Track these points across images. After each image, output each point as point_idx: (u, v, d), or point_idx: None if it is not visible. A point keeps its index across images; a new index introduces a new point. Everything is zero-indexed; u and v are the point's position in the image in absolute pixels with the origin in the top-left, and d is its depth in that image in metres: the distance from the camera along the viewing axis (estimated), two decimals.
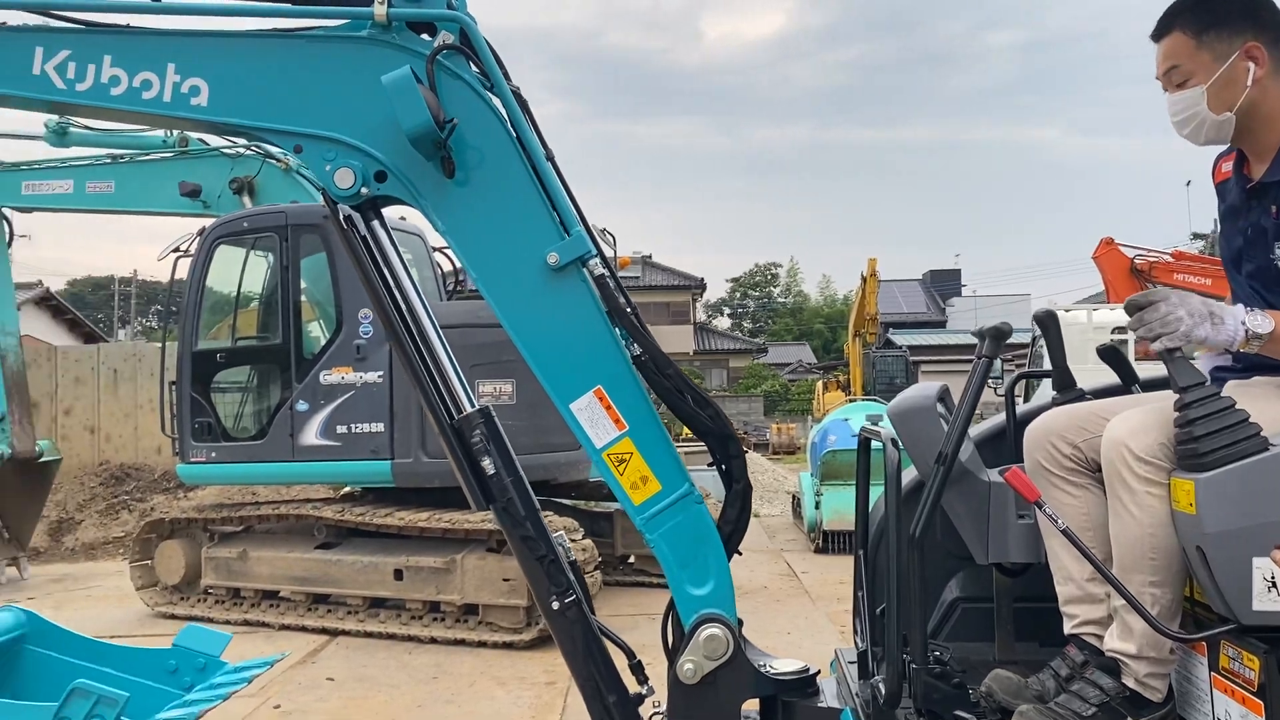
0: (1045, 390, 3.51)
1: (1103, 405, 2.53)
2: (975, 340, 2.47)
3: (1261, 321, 2.19)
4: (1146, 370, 2.83)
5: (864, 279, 25.80)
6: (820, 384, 31.71)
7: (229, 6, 2.81)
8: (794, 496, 13.11)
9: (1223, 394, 2.14)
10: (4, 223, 10.09)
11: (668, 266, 49.50)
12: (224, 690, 3.55)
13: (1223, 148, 2.60)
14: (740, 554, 2.81)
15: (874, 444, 2.74)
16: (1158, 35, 2.48)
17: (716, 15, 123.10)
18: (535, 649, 6.80)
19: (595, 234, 9.14)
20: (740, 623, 2.75)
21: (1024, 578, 2.77)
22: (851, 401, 18.35)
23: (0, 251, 10.03)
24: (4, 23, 2.82)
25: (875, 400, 15.39)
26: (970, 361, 2.47)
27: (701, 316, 57.00)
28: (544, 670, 6.33)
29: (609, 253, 9.89)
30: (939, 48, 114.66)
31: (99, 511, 12.70)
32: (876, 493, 2.90)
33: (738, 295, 76.03)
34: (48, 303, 27.81)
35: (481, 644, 6.98)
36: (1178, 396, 2.13)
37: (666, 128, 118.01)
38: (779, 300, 74.97)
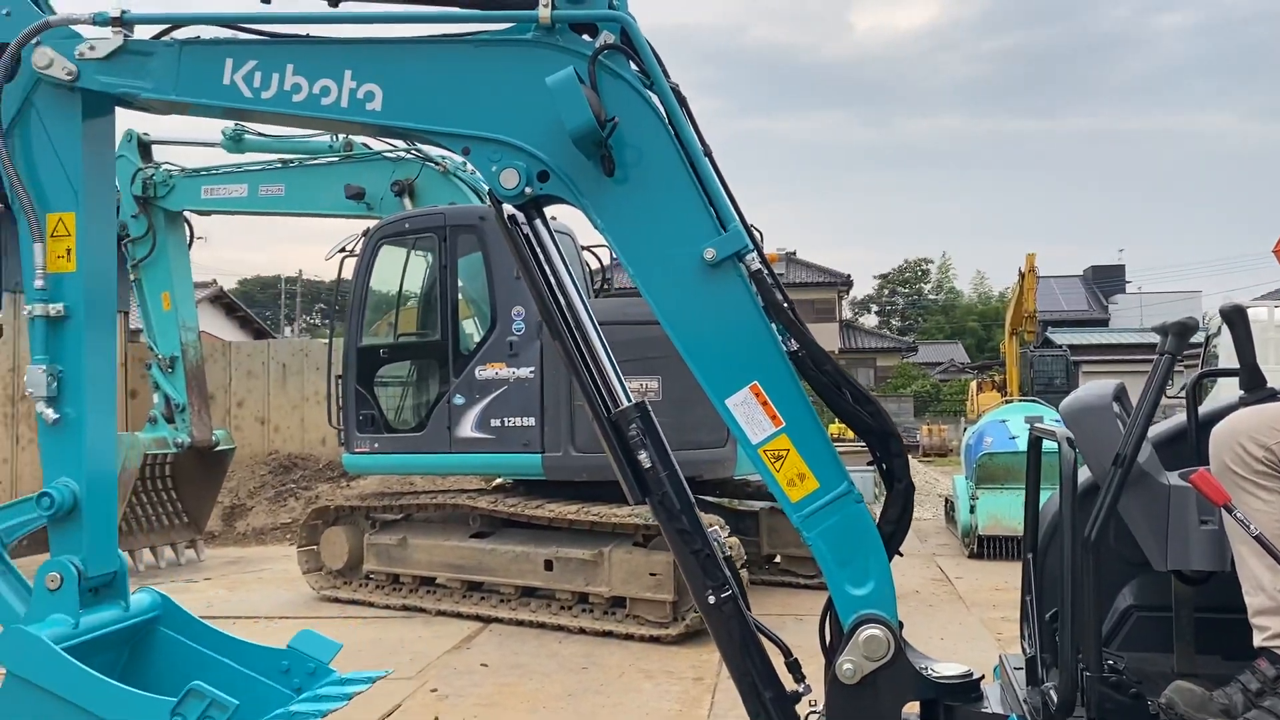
0: (1221, 391, 3.31)
1: None
2: (1141, 340, 2.37)
3: None
4: None
5: (1021, 275, 24.89)
6: (974, 384, 30.78)
7: (401, 14, 2.93)
8: (947, 500, 12.77)
9: None
10: (185, 225, 10.78)
11: (812, 263, 48.89)
12: (326, 706, 3.67)
13: None
14: (901, 555, 2.76)
15: (1046, 444, 2.65)
16: None
17: (866, 6, 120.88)
18: (682, 644, 6.83)
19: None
20: (900, 624, 2.71)
21: (1206, 586, 2.63)
22: (1008, 403, 17.75)
23: (182, 252, 10.72)
24: (197, 36, 3.01)
25: (1034, 401, 14.85)
26: (1136, 361, 2.37)
27: (848, 314, 56.07)
28: (691, 665, 6.36)
29: (756, 240, 9.89)
30: (1103, 33, 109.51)
31: (268, 498, 13.41)
32: (1044, 494, 2.81)
33: (886, 292, 74.48)
34: (221, 300, 29.54)
35: (629, 636, 7.06)
36: None
37: (813, 122, 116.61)
38: (930, 297, 73.06)
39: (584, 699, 5.82)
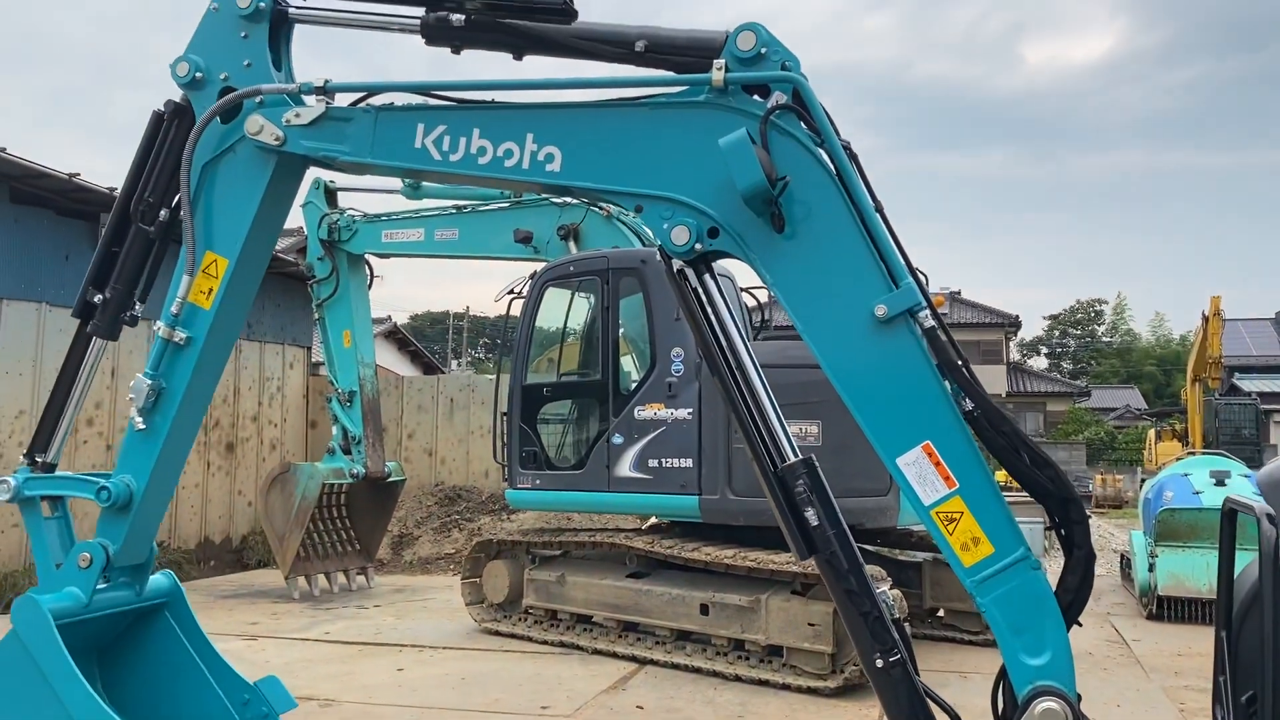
0: None
1: None
2: None
3: None
4: None
5: (1205, 318, 23.51)
6: (1153, 432, 29.17)
7: (580, 80, 3.05)
8: (1123, 556, 12.10)
9: None
10: (366, 267, 11.37)
11: (977, 303, 47.45)
12: None
13: None
14: (1080, 625, 2.65)
15: (1240, 515, 2.51)
16: None
17: (1038, 39, 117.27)
18: (842, 696, 6.70)
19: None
20: (1079, 697, 2.60)
21: None
22: (1191, 454, 16.69)
23: (361, 293, 11.31)
24: (392, 103, 3.21)
25: (1220, 454, 13.93)
26: None
27: (1015, 356, 54.07)
28: None
29: (928, 296, 9.70)
30: None
31: (434, 529, 13.88)
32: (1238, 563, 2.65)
33: (1056, 334, 71.49)
34: (394, 336, 30.90)
35: (786, 687, 6.95)
36: None
37: (981, 158, 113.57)
38: (1104, 339, 69.70)
39: None
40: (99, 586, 3.86)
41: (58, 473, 4.03)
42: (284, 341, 14.46)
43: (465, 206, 10.37)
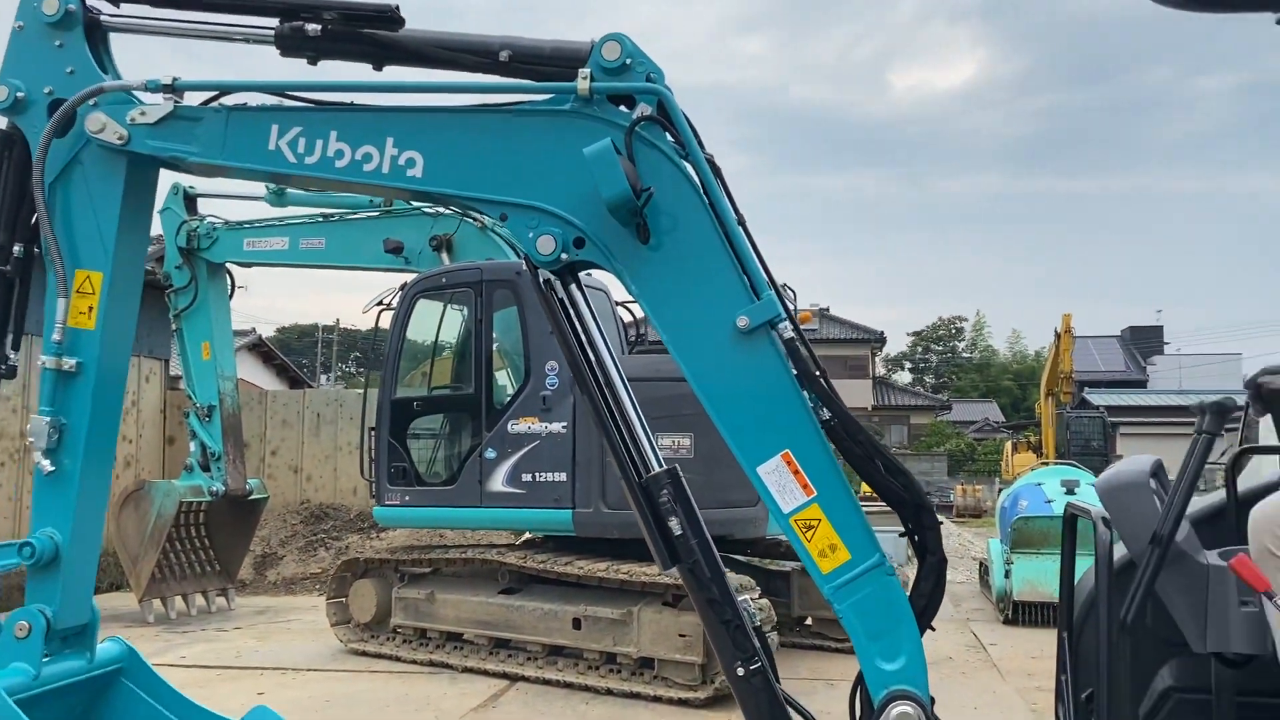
0: (1263, 467, 3.25)
1: None
2: (1180, 401, 2.34)
3: None
4: None
5: (1058, 335, 24.71)
6: (1009, 444, 30.45)
7: (442, 84, 3.00)
8: (981, 563, 12.58)
9: None
10: (227, 277, 10.97)
11: (845, 319, 48.82)
12: None
13: None
14: (934, 629, 2.72)
15: (1081, 520, 2.61)
16: None
17: (904, 67, 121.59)
18: (711, 707, 6.74)
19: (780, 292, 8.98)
20: (932, 700, 2.66)
21: (1248, 669, 2.56)
22: (1044, 465, 17.52)
23: (222, 303, 10.89)
24: (245, 104, 3.10)
25: (1071, 464, 14.63)
26: (1175, 424, 2.35)
27: (881, 371, 55.79)
28: None
29: (789, 308, 9.90)
30: (1143, 94, 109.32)
31: (299, 548, 13.45)
32: (1077, 568, 2.76)
33: (919, 349, 74.08)
34: (259, 349, 29.87)
35: (657, 699, 6.97)
36: None
37: (850, 180, 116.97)
38: (964, 355, 72.58)
39: None
40: (44, 658, 3.47)
41: None
42: (140, 353, 13.80)
43: (333, 215, 10.11)
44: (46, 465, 3.46)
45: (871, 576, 2.66)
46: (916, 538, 2.74)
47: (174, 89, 3.07)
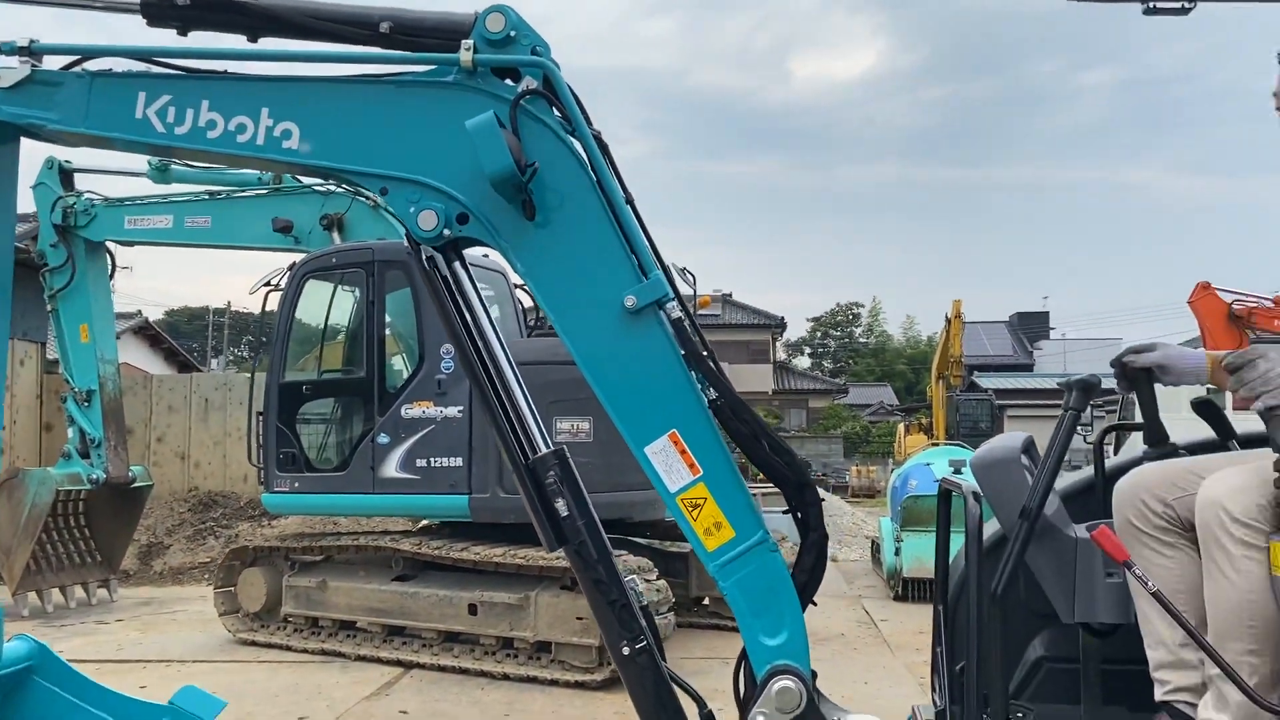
0: (1137, 442, 3.38)
1: (1198, 462, 2.44)
2: (1065, 384, 2.40)
3: None
4: (1244, 425, 2.71)
5: (948, 320, 25.41)
6: (902, 426, 31.21)
7: (321, 53, 2.89)
8: (873, 542, 12.88)
9: None
10: (107, 256, 10.52)
11: (748, 305, 49.40)
12: None
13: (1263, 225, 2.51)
14: (815, 604, 2.76)
15: (955, 496, 2.67)
16: None
17: (805, 55, 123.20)
18: (608, 690, 6.75)
19: (675, 273, 9.13)
20: (814, 674, 2.69)
21: (1114, 638, 2.66)
22: (934, 445, 18.01)
23: (102, 283, 10.44)
24: (110, 70, 2.95)
25: (959, 445, 15.07)
26: (1060, 406, 2.40)
27: (781, 356, 56.65)
28: (615, 712, 6.28)
29: (688, 292, 9.93)
30: (1032, 87, 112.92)
31: (186, 537, 13.04)
32: (957, 543, 2.83)
33: (819, 335, 75.46)
34: (145, 332, 28.83)
35: (554, 682, 6.95)
36: (1278, 457, 2.03)
37: (752, 166, 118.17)
38: (861, 340, 74.17)
39: None
40: None
41: None
42: (14, 336, 13.17)
43: (220, 192, 9.76)
44: None
45: (755, 553, 2.68)
46: (799, 515, 2.76)
47: (31, 52, 2.90)
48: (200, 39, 2.95)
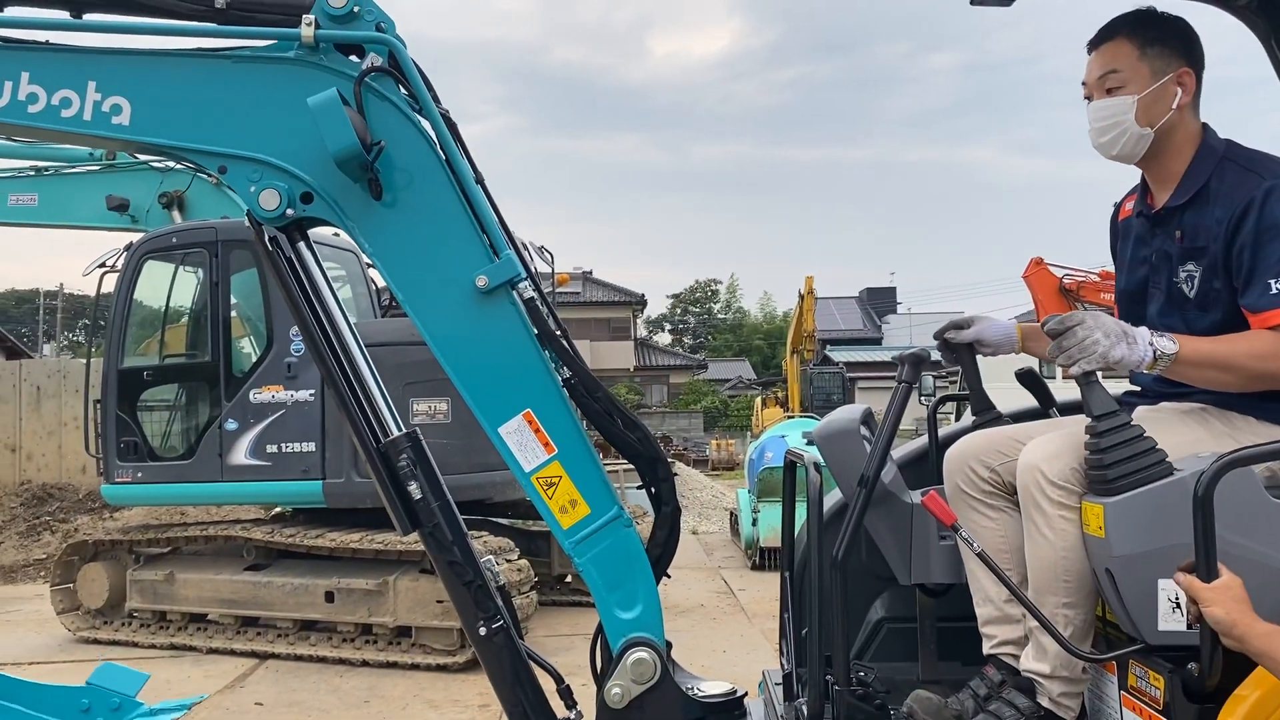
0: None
1: (1019, 429, 2.59)
2: (895, 361, 2.52)
3: (1167, 344, 2.26)
4: (1064, 393, 2.90)
5: (801, 296, 26.07)
6: (759, 400, 31.93)
7: (154, 25, 2.76)
8: (732, 513, 13.17)
9: (1132, 421, 2.20)
10: None
11: (608, 282, 49.58)
12: None
13: (1120, 196, 2.70)
14: (669, 577, 2.82)
15: (800, 466, 2.77)
16: (1100, 41, 2.52)
17: (663, 34, 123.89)
18: (469, 671, 6.74)
19: (534, 251, 9.16)
20: (669, 645, 2.76)
21: (947, 598, 2.82)
22: (790, 418, 18.50)
23: None
24: None
25: (813, 417, 15.53)
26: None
27: (642, 332, 57.12)
28: (478, 693, 6.27)
29: (546, 269, 9.91)
30: (881, 69, 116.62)
31: (19, 533, 12.33)
32: (803, 513, 2.93)
33: (678, 311, 76.29)
34: None
35: (415, 666, 6.90)
36: (1090, 422, 2.19)
37: (611, 144, 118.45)
38: (719, 316, 75.38)
39: None
40: None
41: None
42: None
43: (47, 168, 9.21)
44: None
45: (610, 529, 2.72)
46: (653, 490, 2.81)
47: None
48: (20, 11, 2.78)
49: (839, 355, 39.51)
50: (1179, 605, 2.00)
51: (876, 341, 50.15)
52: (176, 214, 8.72)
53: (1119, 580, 2.08)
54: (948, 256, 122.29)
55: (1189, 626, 1.95)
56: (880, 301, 57.14)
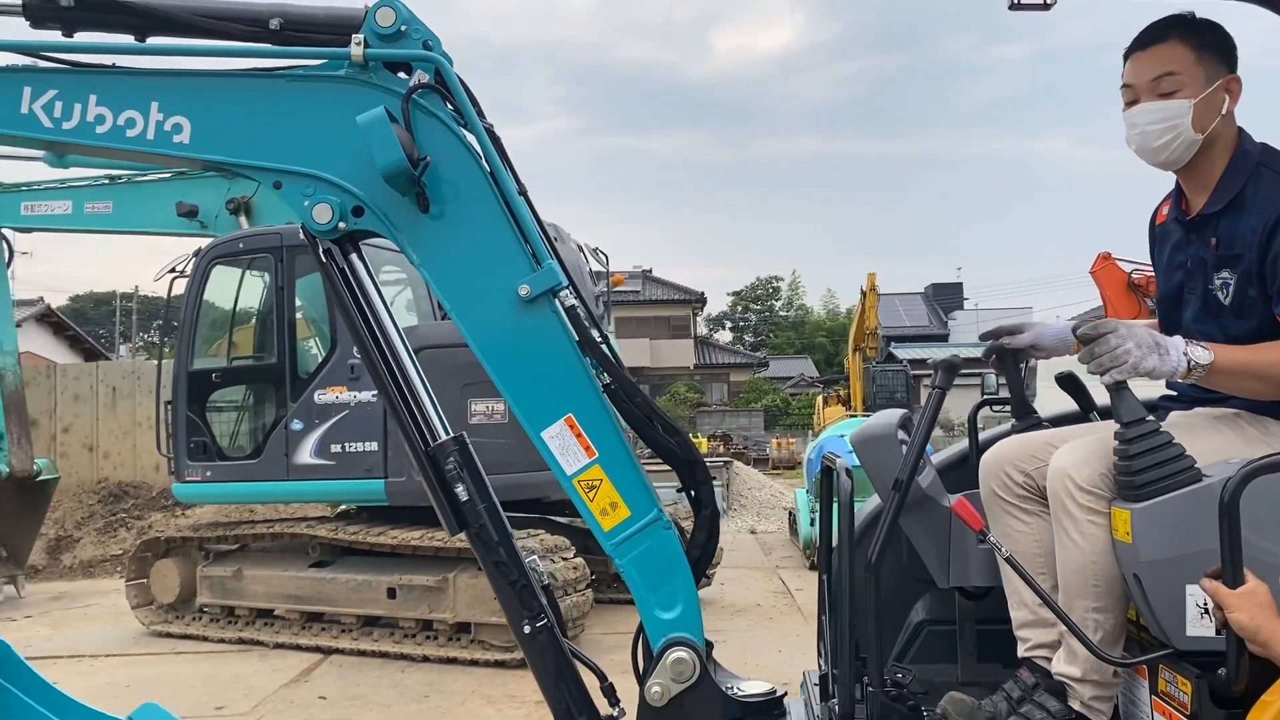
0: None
1: (1054, 434, 2.60)
2: (979, 355, 2.54)
3: (1202, 353, 2.25)
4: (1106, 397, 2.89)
5: (864, 293, 25.83)
6: (821, 398, 31.72)
7: (212, 48, 2.89)
8: (790, 513, 13.15)
9: (1164, 426, 2.21)
10: (4, 243, 10.20)
11: (668, 280, 49.60)
12: None
13: (1160, 199, 2.69)
14: (709, 579, 2.88)
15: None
16: (1150, 42, 2.45)
17: (726, 29, 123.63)
18: (526, 668, 6.82)
19: (588, 253, 9.27)
20: (710, 645, 2.81)
21: (987, 600, 2.83)
22: (852, 416, 18.39)
23: None
24: None
25: None
26: (973, 374, 2.54)
27: (702, 330, 57.08)
28: (534, 689, 6.34)
29: (598, 268, 9.98)
30: (948, 61, 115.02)
31: (97, 529, 12.76)
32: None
33: (739, 309, 76.08)
34: (48, 319, 27.92)
35: (473, 662, 7.03)
36: (1119, 429, 2.20)
37: (673, 141, 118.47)
38: (781, 314, 75.00)
39: None
40: None
41: None
42: None
43: (120, 177, 9.53)
44: None
45: (650, 531, 2.78)
46: (692, 493, 2.87)
47: None
48: (89, 37, 2.92)
49: (903, 353, 39.01)
50: (1206, 611, 2.01)
51: (943, 338, 49.42)
52: (244, 219, 8.97)
53: (1146, 585, 2.09)
54: (1016, 251, 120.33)
55: (1216, 632, 1.96)
56: (946, 297, 56.29)
